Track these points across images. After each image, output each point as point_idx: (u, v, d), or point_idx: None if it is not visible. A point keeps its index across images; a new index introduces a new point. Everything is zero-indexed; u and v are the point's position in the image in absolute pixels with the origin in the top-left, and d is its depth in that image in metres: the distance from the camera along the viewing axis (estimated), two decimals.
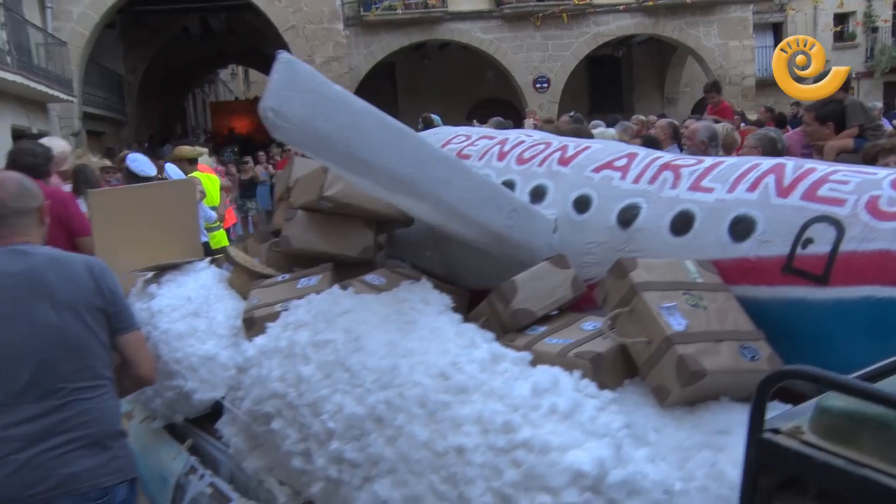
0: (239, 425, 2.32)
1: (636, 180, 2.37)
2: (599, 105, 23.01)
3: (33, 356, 2.03)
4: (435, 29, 20.99)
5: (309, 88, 1.96)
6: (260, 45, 24.12)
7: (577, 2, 21.37)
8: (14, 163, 4.35)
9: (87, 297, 2.12)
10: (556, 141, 2.82)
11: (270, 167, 14.63)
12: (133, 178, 5.75)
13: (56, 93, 15.31)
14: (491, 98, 23.38)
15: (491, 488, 1.58)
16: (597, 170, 2.50)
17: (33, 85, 13.87)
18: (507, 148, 2.87)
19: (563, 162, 2.62)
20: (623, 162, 2.47)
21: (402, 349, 1.97)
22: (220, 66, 35.93)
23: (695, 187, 2.23)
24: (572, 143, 2.73)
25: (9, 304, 2.06)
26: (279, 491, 2.16)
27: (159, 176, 6.77)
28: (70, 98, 16.53)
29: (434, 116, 12.94)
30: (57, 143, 6.81)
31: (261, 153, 15.81)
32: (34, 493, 1.97)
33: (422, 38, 21.10)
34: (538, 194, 2.58)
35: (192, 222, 3.36)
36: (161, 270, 3.00)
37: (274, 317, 2.45)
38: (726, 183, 2.17)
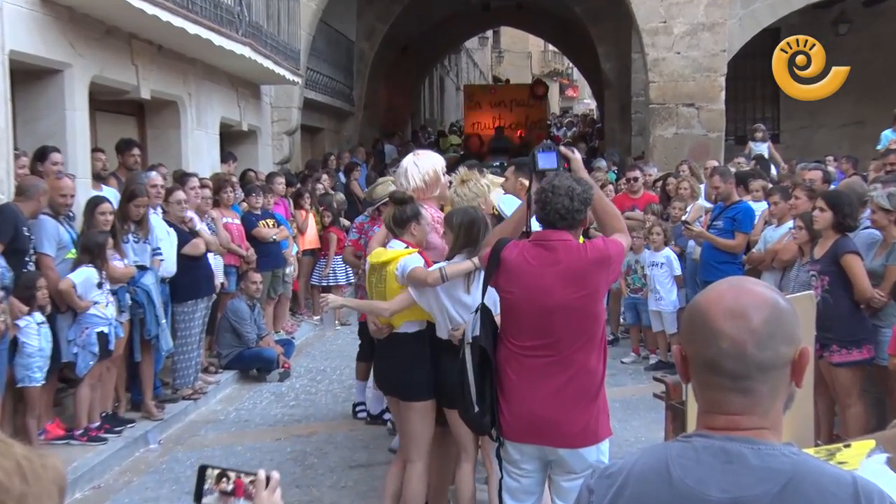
0: None
1: None
2: None
3: None
4: None
5: None
6: None
7: None
8: (543, 206, 5.00)
9: None
10: None
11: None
12: None
13: (281, 70, 15.74)
14: None
15: None
16: None
17: (259, 60, 14.35)
18: None
19: None
20: None
21: None
22: (480, 30, 36.65)
23: None
24: None
25: None
26: None
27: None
28: (295, 78, 17.05)
29: None
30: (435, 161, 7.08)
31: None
32: None
33: None
34: None
35: None
36: None
37: None
38: None
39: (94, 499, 7.88)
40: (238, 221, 12.54)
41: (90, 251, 8.62)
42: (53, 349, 8.21)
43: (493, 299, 5.43)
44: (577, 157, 5.31)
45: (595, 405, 5.04)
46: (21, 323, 7.80)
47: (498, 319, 5.35)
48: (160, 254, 9.76)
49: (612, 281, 5.39)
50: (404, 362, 6.41)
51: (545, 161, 5.24)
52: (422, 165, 6.94)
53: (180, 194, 10.43)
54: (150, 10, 10.46)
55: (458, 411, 5.56)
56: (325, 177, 17.18)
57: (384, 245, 6.55)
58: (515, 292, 5.13)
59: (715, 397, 2.06)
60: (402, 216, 6.44)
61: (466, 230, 6.01)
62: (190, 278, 10.37)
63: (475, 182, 6.96)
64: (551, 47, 56.42)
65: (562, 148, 5.37)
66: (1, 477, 1.57)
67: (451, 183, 7.09)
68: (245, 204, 13.20)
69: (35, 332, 7.88)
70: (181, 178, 11.23)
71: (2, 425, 7.45)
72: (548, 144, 5.36)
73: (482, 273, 5.71)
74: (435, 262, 6.26)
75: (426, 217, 6.53)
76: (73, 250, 8.71)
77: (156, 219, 9.90)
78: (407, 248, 6.37)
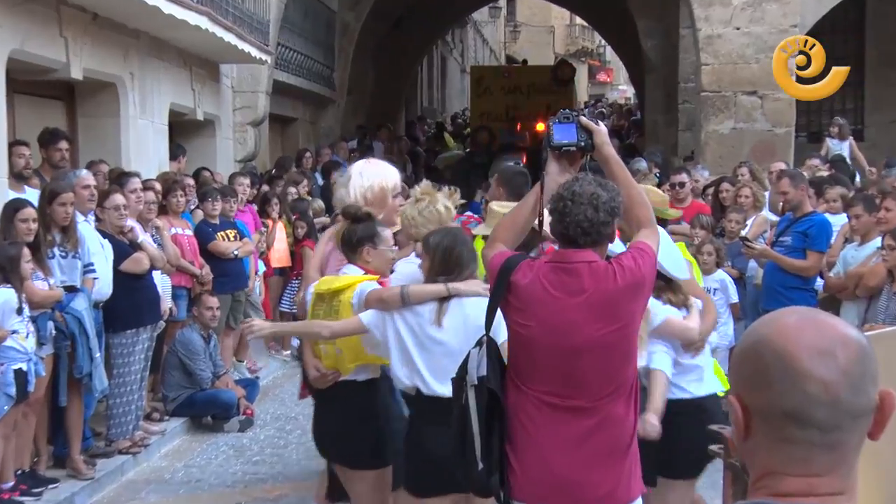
0: None
1: None
2: None
3: None
4: None
5: None
6: None
7: None
8: (561, 218, 4.94)
9: None
10: None
11: None
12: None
13: (246, 46, 15.78)
14: None
15: None
16: None
17: (219, 33, 14.35)
18: None
19: None
20: None
21: None
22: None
23: None
24: None
25: None
26: None
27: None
28: (263, 56, 17.12)
29: None
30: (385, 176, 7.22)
31: None
32: None
33: None
34: None
35: None
36: None
37: None
38: None
39: None
40: (190, 233, 12.57)
41: (2, 268, 8.55)
42: None
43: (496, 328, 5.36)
44: (601, 129, 5.22)
45: (626, 461, 5.04)
46: None
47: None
48: (93, 271, 9.70)
49: (646, 304, 5.31)
50: (348, 419, 6.40)
51: (562, 133, 5.17)
52: (367, 177, 6.93)
53: (118, 198, 10.34)
54: None
55: (458, 470, 5.53)
56: (304, 181, 17.18)
57: (323, 267, 6.60)
58: (532, 327, 5.07)
59: (793, 455, 1.99)
60: (351, 237, 6.43)
61: (444, 254, 5.92)
62: (130, 302, 10.33)
63: (428, 204, 6.69)
64: (579, 20, 56.57)
65: (583, 118, 5.29)
66: None
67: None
68: (199, 211, 13.21)
69: None
70: (120, 179, 11.18)
71: None
72: (566, 114, 5.32)
73: (459, 302, 5.86)
74: None
75: (387, 239, 6.49)
76: None
77: (87, 228, 9.84)
78: (365, 274, 6.35)
